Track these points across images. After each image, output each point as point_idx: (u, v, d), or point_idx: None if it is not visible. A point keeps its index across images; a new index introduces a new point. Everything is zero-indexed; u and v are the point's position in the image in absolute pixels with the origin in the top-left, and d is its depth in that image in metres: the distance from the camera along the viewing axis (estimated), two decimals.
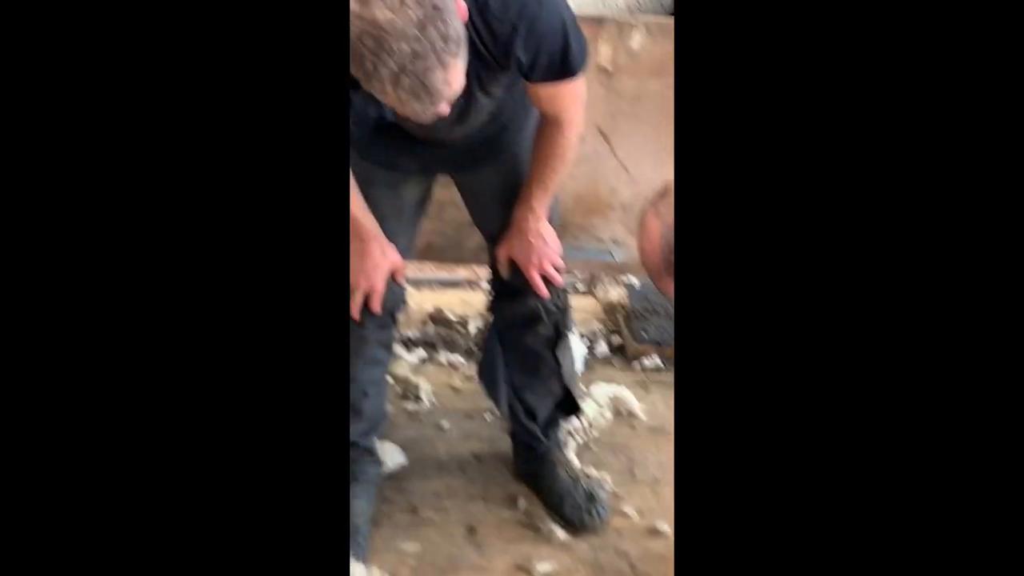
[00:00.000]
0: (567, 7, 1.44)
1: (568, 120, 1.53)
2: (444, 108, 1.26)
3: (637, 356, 2.33)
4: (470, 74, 1.31)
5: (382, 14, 1.16)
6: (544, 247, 1.67)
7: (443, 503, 1.87)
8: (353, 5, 1.18)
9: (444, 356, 2.39)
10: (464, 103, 1.39)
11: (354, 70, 1.21)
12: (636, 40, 2.05)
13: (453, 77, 1.22)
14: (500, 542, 1.78)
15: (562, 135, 1.54)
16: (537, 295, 1.70)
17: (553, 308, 1.76)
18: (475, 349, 2.33)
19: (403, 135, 1.52)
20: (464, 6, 1.28)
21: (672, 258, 1.24)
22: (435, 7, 1.17)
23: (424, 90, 1.21)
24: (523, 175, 1.66)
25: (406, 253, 1.70)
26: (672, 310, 2.39)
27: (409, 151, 1.59)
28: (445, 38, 1.20)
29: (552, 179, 1.62)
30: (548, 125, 1.55)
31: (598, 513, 1.81)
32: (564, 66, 1.42)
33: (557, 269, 1.71)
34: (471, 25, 1.33)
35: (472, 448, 2.06)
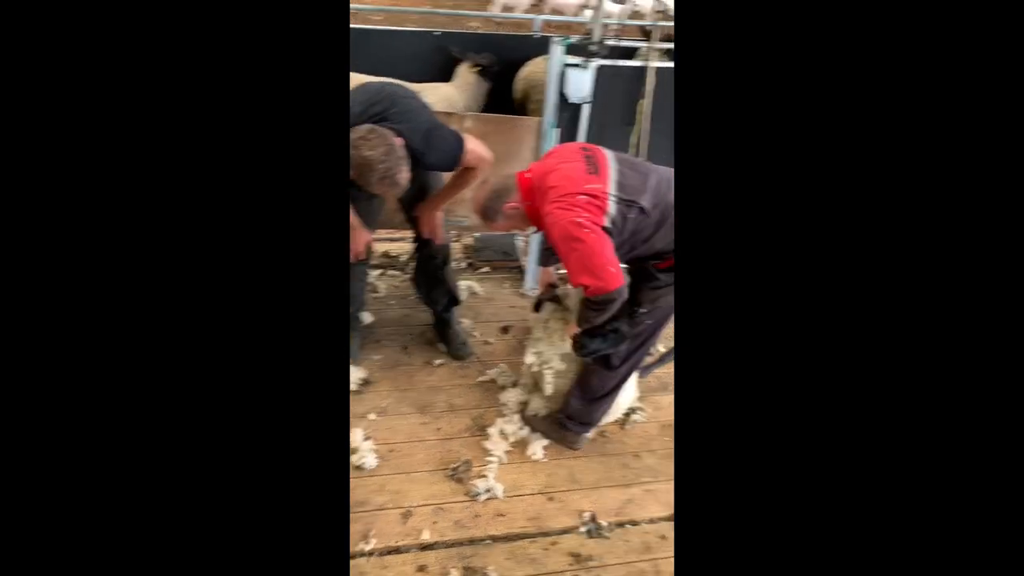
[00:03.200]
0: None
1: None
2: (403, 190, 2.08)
3: (478, 268, 3.52)
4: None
5: (368, 152, 1.91)
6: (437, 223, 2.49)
7: (391, 338, 2.97)
8: (352, 150, 1.87)
9: (392, 272, 3.44)
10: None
11: (355, 178, 1.92)
12: (468, 123, 2.93)
13: (406, 175, 2.01)
14: (421, 352, 2.91)
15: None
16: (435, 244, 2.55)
17: (442, 250, 2.64)
18: (408, 270, 3.24)
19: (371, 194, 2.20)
20: (401, 140, 2.02)
21: (483, 213, 2.04)
22: (390, 144, 1.96)
23: (395, 183, 2.00)
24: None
25: (372, 231, 2.50)
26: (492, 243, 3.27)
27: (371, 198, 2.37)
28: (398, 158, 1.95)
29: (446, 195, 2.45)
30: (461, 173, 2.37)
31: (467, 350, 2.88)
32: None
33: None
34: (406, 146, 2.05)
35: (403, 314, 3.13)
